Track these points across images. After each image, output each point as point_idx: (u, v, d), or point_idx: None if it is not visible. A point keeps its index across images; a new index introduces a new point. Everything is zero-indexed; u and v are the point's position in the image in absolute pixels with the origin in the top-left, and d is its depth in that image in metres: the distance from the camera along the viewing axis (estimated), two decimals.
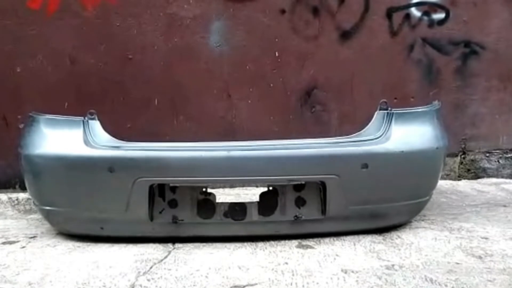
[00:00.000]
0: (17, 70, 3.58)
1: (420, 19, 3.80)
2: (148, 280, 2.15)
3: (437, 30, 3.82)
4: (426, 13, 3.80)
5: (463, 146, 3.95)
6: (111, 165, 2.43)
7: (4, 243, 2.66)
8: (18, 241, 2.68)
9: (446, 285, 2.04)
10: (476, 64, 3.88)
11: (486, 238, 2.56)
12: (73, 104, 3.56)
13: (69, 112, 2.76)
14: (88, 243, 2.58)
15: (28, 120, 2.65)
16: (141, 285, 2.10)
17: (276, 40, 3.72)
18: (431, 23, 3.81)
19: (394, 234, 2.64)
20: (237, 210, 2.57)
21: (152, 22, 3.63)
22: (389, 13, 3.77)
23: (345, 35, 3.78)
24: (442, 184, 3.62)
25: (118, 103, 3.65)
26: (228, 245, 2.53)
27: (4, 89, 3.60)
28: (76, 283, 2.12)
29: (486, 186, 3.70)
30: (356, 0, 3.74)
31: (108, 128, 2.65)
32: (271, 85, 3.75)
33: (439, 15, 3.80)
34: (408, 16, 3.78)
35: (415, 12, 3.79)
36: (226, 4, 3.66)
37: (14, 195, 3.48)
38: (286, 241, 2.57)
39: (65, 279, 2.16)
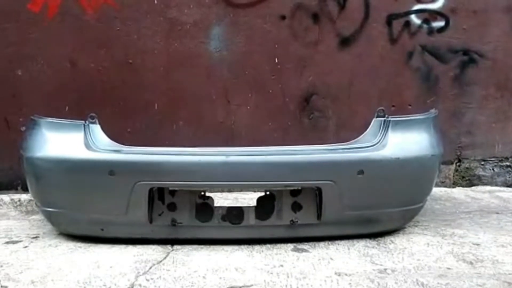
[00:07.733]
0: (18, 73, 3.62)
1: (419, 26, 3.80)
2: (147, 280, 2.19)
3: (436, 38, 3.82)
4: (426, 21, 3.80)
5: (458, 153, 3.95)
6: (111, 169, 2.46)
7: (7, 242, 2.70)
8: (21, 241, 2.72)
9: None
10: (474, 72, 3.88)
11: (478, 244, 2.60)
12: (74, 108, 3.61)
13: (70, 115, 2.79)
14: (89, 244, 2.62)
15: (30, 123, 2.70)
16: (140, 285, 2.14)
17: (276, 46, 3.74)
18: (431, 31, 3.81)
19: (387, 239, 2.68)
20: (235, 214, 2.61)
21: (152, 27, 3.66)
22: (389, 20, 3.78)
23: (345, 42, 3.80)
24: (437, 191, 3.65)
25: (118, 107, 3.69)
26: (225, 247, 2.57)
27: (5, 92, 3.64)
28: (77, 282, 2.17)
29: (480, 194, 3.73)
30: (356, 6, 3.75)
31: (108, 132, 2.69)
32: (270, 91, 3.78)
33: (439, 23, 3.80)
34: (408, 23, 3.78)
35: (415, 19, 3.79)
36: (226, 10, 3.69)
37: (16, 196, 3.52)
38: (282, 244, 2.60)
39: (66, 278, 2.21)
